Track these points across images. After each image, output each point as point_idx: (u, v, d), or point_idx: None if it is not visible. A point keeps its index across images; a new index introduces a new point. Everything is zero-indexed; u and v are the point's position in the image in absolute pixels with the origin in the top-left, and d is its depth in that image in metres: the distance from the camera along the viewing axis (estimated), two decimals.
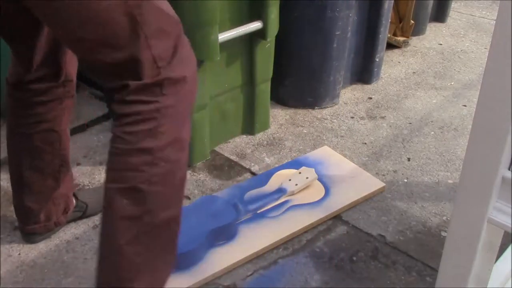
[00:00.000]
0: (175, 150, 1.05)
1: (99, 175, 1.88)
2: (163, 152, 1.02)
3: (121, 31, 0.98)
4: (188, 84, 1.06)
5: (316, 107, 2.27)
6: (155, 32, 1.00)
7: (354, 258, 1.57)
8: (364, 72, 2.43)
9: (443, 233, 1.65)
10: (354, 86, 2.45)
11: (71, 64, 1.41)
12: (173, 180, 1.06)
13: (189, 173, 1.89)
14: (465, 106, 2.32)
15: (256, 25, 1.80)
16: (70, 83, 1.43)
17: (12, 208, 1.57)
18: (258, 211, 1.68)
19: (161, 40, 1.02)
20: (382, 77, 2.51)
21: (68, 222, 1.64)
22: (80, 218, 1.67)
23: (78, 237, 1.62)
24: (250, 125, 2.08)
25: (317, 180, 1.79)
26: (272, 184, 1.78)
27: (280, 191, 1.74)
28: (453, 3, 3.14)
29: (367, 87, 2.45)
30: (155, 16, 1.00)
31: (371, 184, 1.82)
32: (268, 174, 1.83)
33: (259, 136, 2.10)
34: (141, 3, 0.97)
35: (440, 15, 3.05)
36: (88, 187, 1.82)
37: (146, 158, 1.01)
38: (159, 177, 1.03)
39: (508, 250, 1.40)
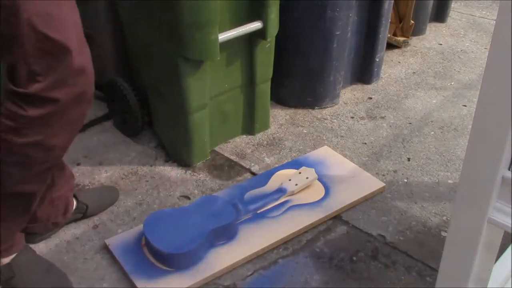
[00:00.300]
0: (36, 150, 1.20)
1: (99, 175, 1.88)
2: (20, 147, 1.18)
3: (6, 43, 1.12)
4: (61, 106, 1.16)
5: (316, 107, 2.27)
6: (34, 52, 1.12)
7: (354, 258, 1.57)
8: (364, 72, 2.43)
9: (443, 233, 1.65)
10: (354, 86, 2.45)
11: None
12: (28, 169, 1.23)
13: (189, 173, 1.89)
14: (465, 106, 2.32)
15: (256, 25, 1.80)
16: None
17: None
18: (258, 211, 1.68)
19: (42, 59, 1.13)
20: (382, 77, 2.52)
21: (68, 222, 1.65)
22: (80, 219, 1.67)
23: (78, 237, 1.63)
24: (250, 125, 2.08)
25: (317, 180, 1.79)
26: (272, 184, 1.78)
27: (280, 191, 1.74)
28: (453, 3, 3.14)
29: (367, 87, 2.45)
30: (35, 39, 1.11)
31: (371, 184, 1.82)
32: (268, 174, 1.83)
33: (259, 136, 2.10)
34: (21, 30, 1.09)
35: (440, 15, 3.05)
36: (88, 187, 1.82)
37: (6, 146, 1.18)
38: (14, 163, 1.21)
39: (508, 250, 1.40)
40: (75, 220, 1.66)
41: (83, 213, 1.66)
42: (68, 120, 1.21)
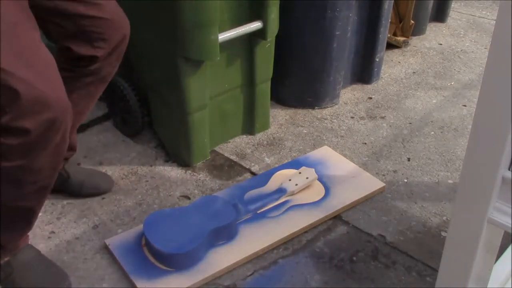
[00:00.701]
0: (23, 172, 1.23)
1: None
2: (8, 169, 1.21)
3: None
4: (35, 135, 1.17)
5: (316, 107, 2.27)
6: None
7: (354, 258, 1.57)
8: (364, 72, 2.43)
9: (443, 233, 1.65)
10: (354, 86, 2.45)
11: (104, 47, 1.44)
12: (21, 188, 1.26)
13: (189, 173, 1.89)
14: (465, 106, 2.32)
15: (256, 25, 1.80)
16: (91, 64, 1.46)
17: None
18: (258, 211, 1.68)
19: (3, 92, 1.13)
20: (382, 77, 2.52)
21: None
22: (59, 187, 1.69)
23: (78, 237, 1.63)
24: (250, 125, 2.08)
25: (317, 180, 1.79)
26: (272, 184, 1.78)
27: (280, 191, 1.74)
28: (453, 3, 3.14)
29: (367, 87, 2.45)
30: None
31: (371, 184, 1.82)
32: (268, 174, 1.83)
33: (259, 136, 2.10)
34: None
35: (440, 15, 3.05)
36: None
37: None
38: (6, 182, 1.24)
39: (508, 250, 1.40)
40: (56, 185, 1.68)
41: (64, 180, 1.69)
42: (49, 145, 1.21)
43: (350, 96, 2.37)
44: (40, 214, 1.68)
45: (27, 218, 1.37)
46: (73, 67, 1.45)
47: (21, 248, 1.44)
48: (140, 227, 1.60)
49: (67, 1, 1.37)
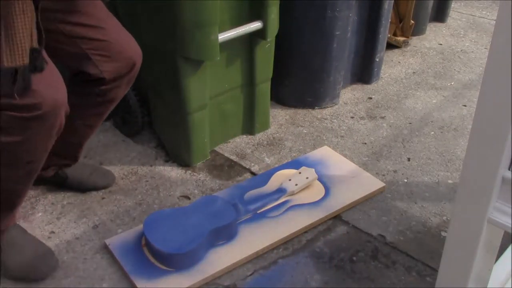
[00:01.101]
0: (20, 148, 1.28)
1: None
2: (9, 144, 1.26)
3: None
4: (44, 109, 1.24)
5: (316, 107, 2.27)
6: None
7: (354, 258, 1.57)
8: (364, 72, 2.43)
9: (443, 233, 1.65)
10: (354, 86, 2.45)
11: (109, 65, 1.48)
12: (15, 167, 1.32)
13: (189, 173, 1.89)
14: (465, 106, 2.32)
15: (256, 25, 1.80)
16: (100, 86, 1.51)
17: None
18: (258, 211, 1.68)
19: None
20: (382, 77, 2.52)
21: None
22: (60, 186, 1.77)
23: (78, 237, 1.63)
24: (250, 125, 2.08)
25: (317, 180, 1.79)
26: (272, 184, 1.78)
27: (280, 191, 1.74)
28: (453, 3, 3.14)
29: (367, 87, 2.45)
30: None
31: (371, 184, 1.82)
32: (268, 174, 1.83)
33: (259, 136, 2.10)
34: None
35: (440, 15, 3.05)
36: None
37: None
38: (4, 160, 1.29)
39: (508, 250, 1.40)
40: (54, 184, 1.77)
41: (62, 182, 1.76)
42: (43, 127, 1.27)
43: (350, 96, 2.37)
44: (40, 214, 1.69)
45: (10, 201, 1.41)
46: (83, 88, 1.51)
47: (8, 228, 1.47)
48: (140, 227, 1.60)
49: (69, 24, 1.41)
